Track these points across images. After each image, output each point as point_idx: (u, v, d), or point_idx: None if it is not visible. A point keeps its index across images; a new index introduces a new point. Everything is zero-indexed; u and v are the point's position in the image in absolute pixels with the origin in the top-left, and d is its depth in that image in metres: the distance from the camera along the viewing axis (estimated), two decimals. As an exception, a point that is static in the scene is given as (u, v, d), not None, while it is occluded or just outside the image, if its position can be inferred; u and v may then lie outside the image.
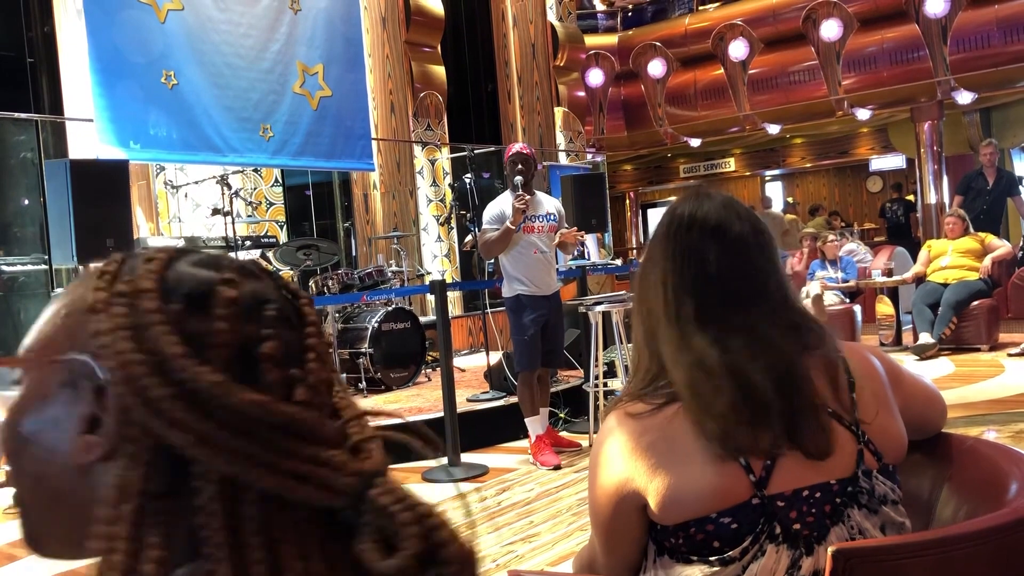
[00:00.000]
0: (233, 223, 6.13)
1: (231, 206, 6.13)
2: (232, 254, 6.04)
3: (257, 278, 0.62)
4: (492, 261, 7.67)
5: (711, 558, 1.18)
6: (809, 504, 1.18)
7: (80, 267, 4.50)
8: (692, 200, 1.30)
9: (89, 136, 5.89)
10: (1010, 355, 6.81)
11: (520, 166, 4.62)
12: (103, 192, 4.46)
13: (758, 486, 1.16)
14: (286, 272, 6.72)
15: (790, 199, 15.93)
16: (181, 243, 6.32)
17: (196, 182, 6.77)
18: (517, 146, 4.76)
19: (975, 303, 7.23)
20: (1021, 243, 8.23)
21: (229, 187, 6.19)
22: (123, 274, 0.60)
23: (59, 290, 5.45)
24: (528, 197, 4.57)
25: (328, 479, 0.55)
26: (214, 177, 6.39)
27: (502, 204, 4.62)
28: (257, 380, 0.56)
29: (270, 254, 6.62)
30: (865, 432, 1.22)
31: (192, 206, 6.93)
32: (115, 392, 0.56)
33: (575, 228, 4.74)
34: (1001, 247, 7.49)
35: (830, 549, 1.08)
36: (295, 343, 0.60)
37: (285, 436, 0.55)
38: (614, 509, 1.25)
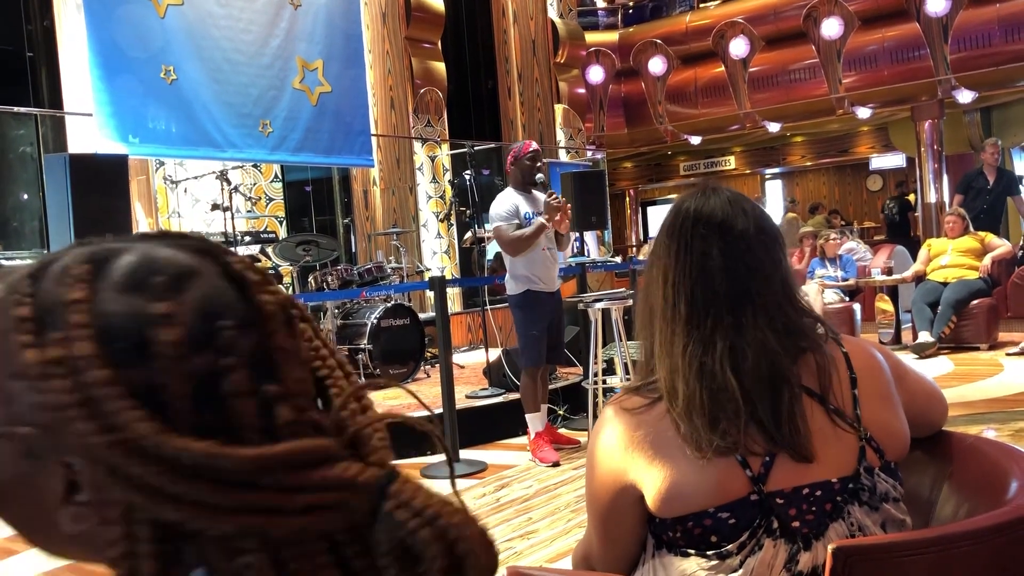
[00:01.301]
0: (232, 219, 6.12)
1: (230, 202, 6.13)
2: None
3: (198, 277, 0.54)
4: (491, 258, 7.69)
5: (708, 552, 1.18)
6: (809, 502, 1.18)
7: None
8: (698, 195, 1.30)
9: (88, 130, 5.88)
10: (1008, 354, 6.81)
11: (539, 163, 4.68)
12: (102, 187, 4.45)
13: (756, 482, 1.16)
14: (285, 268, 6.72)
15: (791, 199, 15.93)
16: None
17: (196, 177, 6.76)
18: (532, 144, 4.76)
19: (975, 302, 7.23)
20: (1021, 242, 8.22)
21: (228, 182, 6.18)
22: (43, 308, 0.52)
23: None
24: (557, 195, 4.61)
25: (341, 502, 0.51)
26: (213, 172, 6.38)
27: (513, 199, 4.61)
28: (227, 418, 0.51)
29: (269, 250, 6.62)
30: (867, 429, 1.22)
31: (192, 201, 6.93)
32: (86, 471, 0.50)
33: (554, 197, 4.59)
34: (1001, 246, 7.49)
35: (830, 547, 1.08)
36: (260, 350, 0.53)
37: (287, 473, 0.50)
38: (611, 502, 1.25)
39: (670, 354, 1.22)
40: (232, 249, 0.63)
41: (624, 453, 1.21)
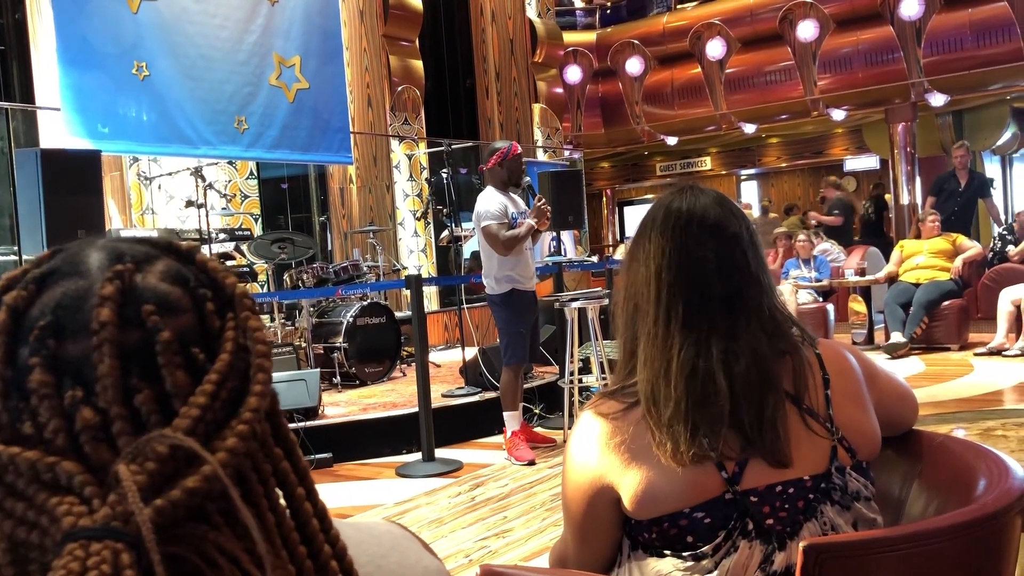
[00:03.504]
0: (207, 215, 6.08)
1: (205, 198, 6.08)
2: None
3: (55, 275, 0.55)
4: (468, 257, 7.68)
5: (684, 553, 1.18)
6: (782, 500, 1.18)
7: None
8: (687, 195, 1.29)
9: (61, 125, 5.81)
10: (978, 354, 6.90)
11: (523, 166, 4.74)
12: (75, 182, 4.40)
13: (731, 482, 1.17)
14: (260, 265, 6.68)
15: (766, 201, 16.03)
16: (154, 234, 6.26)
17: (170, 174, 6.70)
18: (518, 146, 4.80)
19: (946, 303, 7.32)
20: (991, 244, 8.33)
21: (203, 179, 6.14)
22: None
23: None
24: (543, 198, 4.70)
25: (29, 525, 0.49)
26: (188, 169, 6.33)
27: (500, 199, 4.62)
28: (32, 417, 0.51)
29: (244, 247, 6.58)
30: (839, 429, 1.23)
31: (166, 198, 6.86)
32: None
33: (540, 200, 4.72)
34: (972, 248, 7.59)
35: (801, 544, 1.09)
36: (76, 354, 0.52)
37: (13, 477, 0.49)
38: (587, 504, 1.25)
39: (659, 357, 1.21)
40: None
41: (601, 457, 1.22)
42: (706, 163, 16.30)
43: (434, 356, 7.25)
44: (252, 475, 0.52)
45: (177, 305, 0.54)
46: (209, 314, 0.55)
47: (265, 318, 6.44)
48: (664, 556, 1.20)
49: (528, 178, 4.78)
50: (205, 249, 5.99)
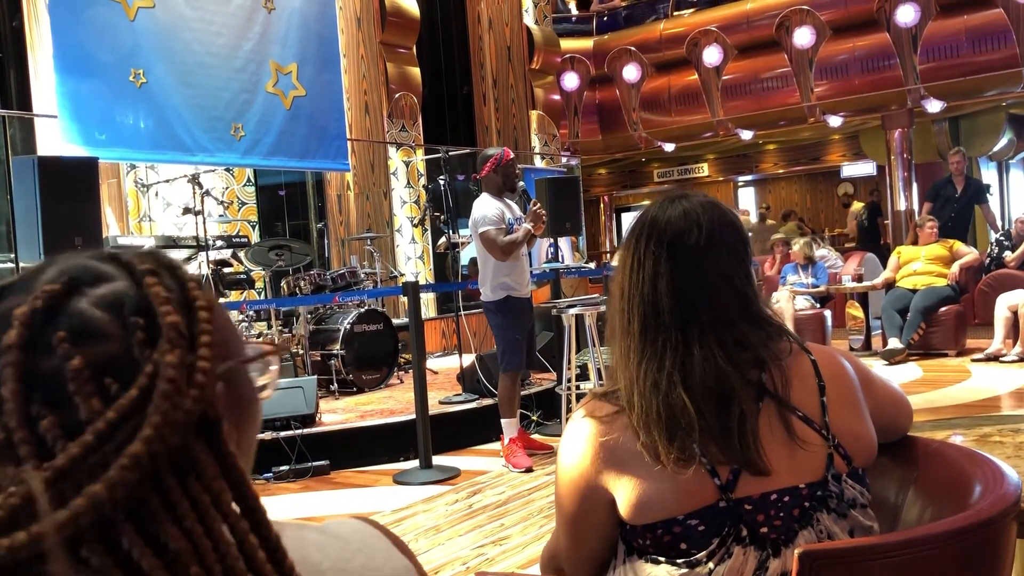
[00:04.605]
0: (204, 223, 6.07)
1: (202, 205, 6.08)
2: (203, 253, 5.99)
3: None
4: (466, 263, 7.69)
5: (678, 560, 1.18)
6: (777, 508, 1.18)
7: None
8: (661, 205, 1.29)
9: (58, 133, 5.81)
10: (975, 360, 6.90)
11: (517, 170, 4.75)
12: (72, 190, 4.39)
13: (724, 489, 1.17)
14: (257, 272, 6.67)
15: (764, 207, 16.06)
16: (151, 243, 6.25)
17: (167, 181, 6.70)
18: (511, 151, 4.82)
19: (943, 309, 7.32)
20: (988, 250, 8.34)
21: (200, 186, 6.13)
22: None
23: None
24: (538, 203, 4.72)
25: None
26: (185, 176, 6.33)
27: (497, 205, 4.64)
28: None
29: (242, 254, 6.57)
30: (835, 436, 1.23)
31: (163, 205, 6.86)
32: None
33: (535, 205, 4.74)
34: (969, 254, 7.60)
35: (796, 551, 1.08)
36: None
37: None
38: (581, 505, 1.25)
39: (626, 368, 1.23)
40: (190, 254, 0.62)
41: (595, 458, 1.22)
42: (703, 169, 16.32)
43: (431, 363, 7.25)
44: (158, 504, 0.50)
45: (99, 332, 0.53)
46: (137, 344, 0.53)
47: (262, 325, 6.42)
48: (659, 563, 1.20)
49: (523, 183, 4.79)
50: (203, 255, 5.99)
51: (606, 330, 1.33)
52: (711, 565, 1.17)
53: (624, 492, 1.19)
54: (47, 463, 0.48)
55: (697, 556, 1.17)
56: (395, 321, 6.77)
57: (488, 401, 5.49)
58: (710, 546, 1.17)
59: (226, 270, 6.47)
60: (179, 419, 0.51)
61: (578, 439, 1.25)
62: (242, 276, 6.56)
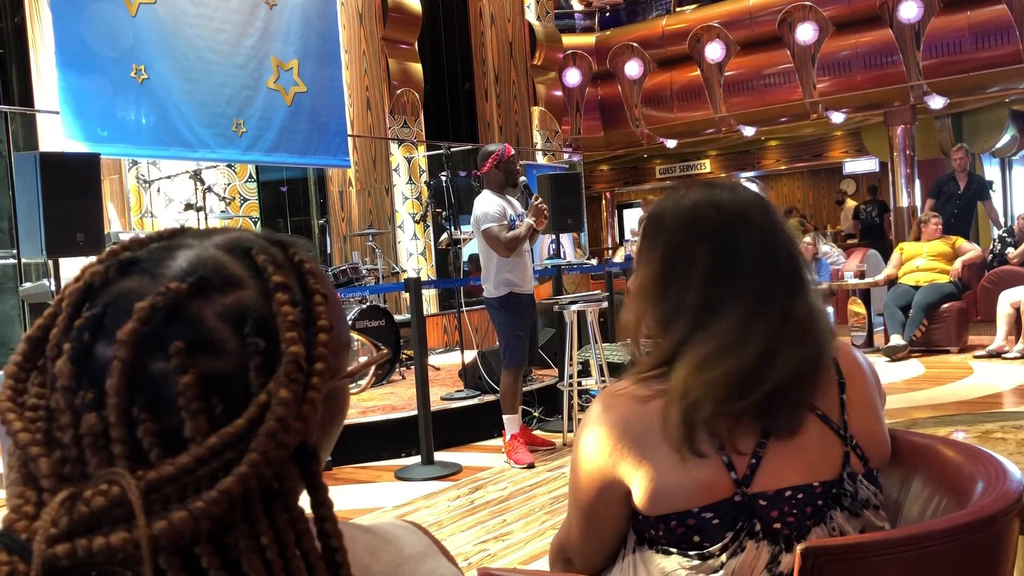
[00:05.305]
0: (206, 219, 6.08)
1: (204, 202, 6.08)
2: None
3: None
4: (466, 260, 7.68)
5: (691, 552, 1.18)
6: (791, 504, 1.18)
7: (49, 261, 4.44)
8: (724, 189, 1.28)
9: (60, 129, 5.81)
10: (977, 357, 6.90)
11: (518, 166, 4.75)
12: (74, 185, 4.39)
13: (741, 484, 1.16)
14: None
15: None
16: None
17: (169, 177, 6.70)
18: (511, 147, 4.82)
19: (945, 305, 7.31)
20: (991, 247, 8.33)
21: (202, 182, 6.13)
22: None
23: (27, 285, 5.37)
24: (539, 198, 4.71)
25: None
26: (187, 172, 6.33)
27: (499, 201, 4.63)
28: None
29: (243, 250, 6.56)
30: (853, 436, 1.22)
31: (165, 201, 6.86)
32: None
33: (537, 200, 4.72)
34: (971, 250, 7.59)
35: (799, 547, 1.08)
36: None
37: None
38: (596, 495, 1.24)
39: (683, 337, 1.21)
40: None
41: (614, 447, 1.20)
42: (705, 166, 16.31)
43: (433, 359, 7.25)
44: (243, 532, 0.49)
45: (217, 347, 0.51)
46: (254, 368, 0.51)
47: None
48: (670, 554, 1.19)
49: (524, 178, 4.78)
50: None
51: (659, 316, 1.26)
52: (723, 558, 1.16)
53: (641, 482, 1.18)
54: (141, 471, 0.48)
55: (710, 549, 1.17)
56: (397, 317, 6.77)
57: (490, 397, 5.49)
58: (723, 539, 1.17)
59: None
60: (279, 456, 0.50)
61: (598, 429, 1.23)
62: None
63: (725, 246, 1.23)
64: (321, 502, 0.53)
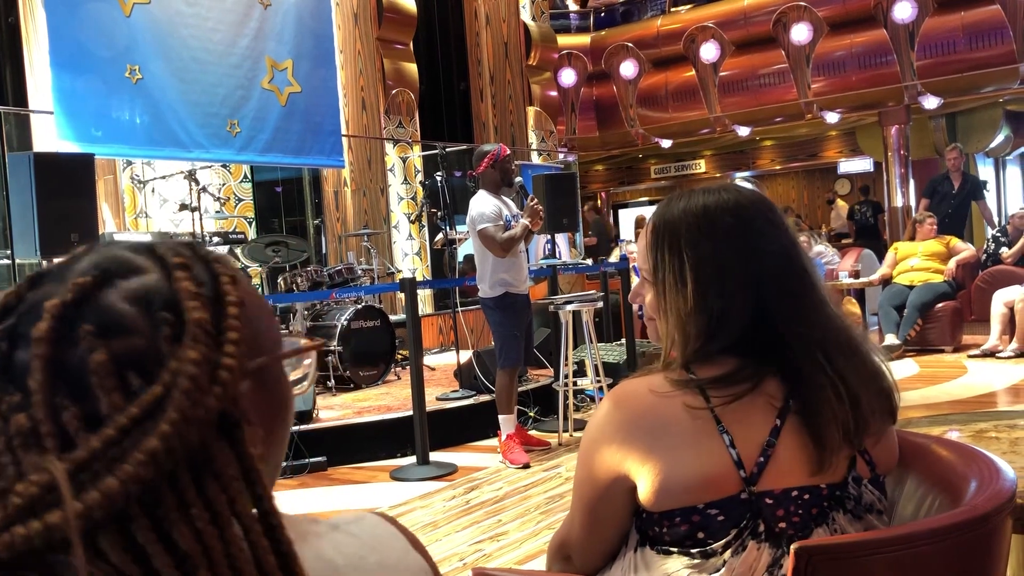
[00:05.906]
0: (201, 219, 6.07)
1: (199, 202, 6.07)
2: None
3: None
4: (462, 260, 7.67)
5: (693, 551, 1.18)
6: (797, 504, 1.18)
7: (44, 262, 4.43)
8: (729, 192, 1.30)
9: (54, 129, 5.80)
10: (971, 356, 6.92)
11: (514, 165, 4.75)
12: (68, 186, 4.38)
13: (748, 482, 1.16)
14: (254, 269, 6.66)
15: None
16: (148, 238, 6.24)
17: (163, 177, 6.69)
18: (506, 147, 4.82)
19: (939, 305, 7.33)
20: (985, 246, 8.36)
21: (197, 183, 6.12)
22: None
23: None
24: (535, 198, 4.72)
25: None
26: (182, 172, 6.31)
27: (495, 202, 4.64)
28: None
29: (238, 250, 6.56)
30: (861, 440, 1.22)
31: (159, 201, 6.85)
32: None
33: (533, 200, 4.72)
34: (965, 250, 7.61)
35: (792, 546, 1.08)
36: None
37: None
38: (603, 490, 1.24)
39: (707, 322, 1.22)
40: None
41: (624, 440, 1.20)
42: (700, 166, 16.32)
43: (428, 359, 7.25)
44: (172, 503, 0.49)
45: (126, 326, 0.53)
46: (164, 339, 0.53)
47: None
48: (672, 554, 1.19)
49: (520, 178, 4.78)
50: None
51: (679, 310, 1.24)
52: (726, 556, 1.16)
53: (648, 477, 1.18)
54: (67, 454, 0.49)
55: (713, 546, 1.17)
56: (392, 317, 6.76)
57: (485, 397, 5.49)
58: (727, 536, 1.16)
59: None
60: (199, 417, 0.50)
61: (609, 423, 1.23)
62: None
63: (750, 247, 1.24)
64: (249, 469, 0.53)
